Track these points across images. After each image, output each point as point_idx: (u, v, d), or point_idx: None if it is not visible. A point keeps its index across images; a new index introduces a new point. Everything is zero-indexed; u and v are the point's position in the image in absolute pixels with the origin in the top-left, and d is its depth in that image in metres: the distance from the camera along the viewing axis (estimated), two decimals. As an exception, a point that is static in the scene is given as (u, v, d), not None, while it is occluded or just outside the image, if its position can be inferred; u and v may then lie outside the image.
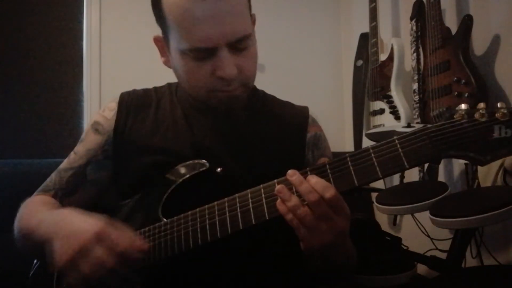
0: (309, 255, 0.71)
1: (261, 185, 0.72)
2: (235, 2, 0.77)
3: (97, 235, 0.68)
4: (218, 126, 0.90)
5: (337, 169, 0.68)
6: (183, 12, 0.75)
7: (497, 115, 0.60)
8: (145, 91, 0.98)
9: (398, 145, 0.64)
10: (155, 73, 1.13)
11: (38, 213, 0.84)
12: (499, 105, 0.61)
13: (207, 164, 0.82)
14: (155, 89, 0.99)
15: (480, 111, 0.61)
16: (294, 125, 0.95)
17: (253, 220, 0.71)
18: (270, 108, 0.97)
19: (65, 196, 0.92)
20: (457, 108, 0.63)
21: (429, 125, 0.64)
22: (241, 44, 0.79)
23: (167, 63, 0.89)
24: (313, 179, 0.66)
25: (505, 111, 0.59)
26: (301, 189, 0.66)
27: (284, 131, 0.93)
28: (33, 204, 0.90)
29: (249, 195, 0.73)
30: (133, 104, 0.95)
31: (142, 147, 0.89)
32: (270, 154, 0.88)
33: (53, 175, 0.95)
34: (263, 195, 0.71)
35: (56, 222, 0.75)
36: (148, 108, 0.94)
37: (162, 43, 0.87)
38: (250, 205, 0.72)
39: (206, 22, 0.74)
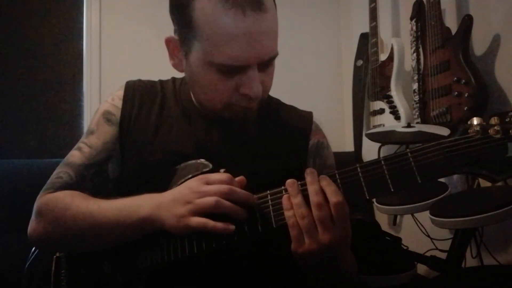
0: (295, 258, 0.70)
1: (268, 192, 0.71)
2: (272, 23, 0.76)
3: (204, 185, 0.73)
4: (220, 130, 0.89)
5: (347, 180, 0.66)
6: (219, 26, 0.72)
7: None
8: (151, 83, 0.96)
9: (411, 159, 0.62)
10: (156, 72, 1.13)
11: (93, 201, 0.80)
12: None
13: (211, 165, 0.81)
14: (161, 82, 0.97)
15: (495, 127, 0.59)
16: (297, 131, 0.94)
17: (259, 228, 0.70)
18: (274, 112, 0.96)
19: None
20: (470, 123, 0.62)
21: (443, 140, 0.62)
22: (269, 63, 0.79)
23: (177, 66, 0.86)
24: (325, 181, 0.66)
25: None
26: (310, 189, 0.65)
27: (287, 137, 0.92)
28: (74, 197, 0.82)
29: (269, 195, 0.72)
30: (138, 95, 0.92)
31: (145, 143, 0.87)
32: (271, 160, 0.88)
33: (69, 171, 0.86)
34: (270, 202, 0.71)
35: (145, 199, 0.76)
36: (153, 102, 0.92)
37: (174, 46, 0.84)
38: (257, 214, 0.71)
39: (242, 41, 0.72)
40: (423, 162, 0.62)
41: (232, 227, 0.70)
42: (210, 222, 0.69)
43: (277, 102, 1.00)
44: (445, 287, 1.12)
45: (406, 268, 1.52)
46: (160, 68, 1.18)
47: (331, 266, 0.69)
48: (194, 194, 0.71)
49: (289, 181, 0.68)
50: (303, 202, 0.65)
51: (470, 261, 1.58)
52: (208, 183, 0.72)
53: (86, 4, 2.45)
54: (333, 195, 0.64)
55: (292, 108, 1.00)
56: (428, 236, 1.69)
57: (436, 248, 1.65)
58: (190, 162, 0.82)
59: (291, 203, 0.66)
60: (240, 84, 0.77)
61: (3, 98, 2.34)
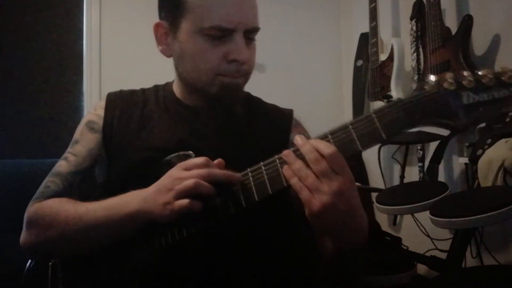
0: (316, 227, 0.72)
1: (261, 163, 0.74)
2: None
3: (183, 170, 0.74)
4: (204, 124, 0.90)
5: None
6: None
7: (464, 83, 0.62)
8: (132, 91, 0.98)
9: (376, 119, 0.67)
10: (155, 72, 1.13)
11: (81, 204, 0.81)
12: (465, 73, 0.64)
13: (193, 154, 0.81)
14: (143, 90, 0.99)
15: (449, 80, 0.63)
16: (278, 126, 0.96)
17: (243, 203, 0.72)
18: (255, 108, 0.98)
19: None
20: (426, 80, 0.66)
21: (402, 98, 0.68)
22: (252, 35, 0.85)
23: (165, 51, 0.89)
24: (314, 141, 0.69)
25: (471, 79, 0.62)
26: (304, 149, 0.68)
27: (268, 132, 0.94)
28: (62, 203, 0.83)
29: (249, 173, 0.74)
30: (119, 103, 0.94)
31: (129, 144, 0.89)
32: (254, 154, 0.88)
33: (56, 180, 0.88)
34: (251, 179, 0.73)
35: (132, 195, 0.77)
36: (135, 106, 0.94)
37: (163, 30, 0.88)
38: (252, 183, 0.73)
39: (231, 3, 0.80)
40: (385, 120, 0.66)
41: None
42: (192, 201, 0.71)
43: (258, 100, 1.02)
44: (445, 287, 1.12)
45: (406, 268, 1.52)
46: (159, 68, 1.18)
47: (349, 219, 0.70)
48: (175, 181, 0.73)
49: (285, 152, 0.70)
50: (303, 165, 0.68)
51: (470, 261, 1.58)
52: (186, 169, 0.74)
53: (86, 4, 2.45)
54: (326, 148, 0.66)
55: (272, 106, 1.03)
56: (428, 236, 1.69)
57: (436, 248, 1.65)
58: (172, 155, 0.83)
59: (292, 171, 0.69)
60: (228, 52, 0.82)
61: (4, 98, 2.34)
